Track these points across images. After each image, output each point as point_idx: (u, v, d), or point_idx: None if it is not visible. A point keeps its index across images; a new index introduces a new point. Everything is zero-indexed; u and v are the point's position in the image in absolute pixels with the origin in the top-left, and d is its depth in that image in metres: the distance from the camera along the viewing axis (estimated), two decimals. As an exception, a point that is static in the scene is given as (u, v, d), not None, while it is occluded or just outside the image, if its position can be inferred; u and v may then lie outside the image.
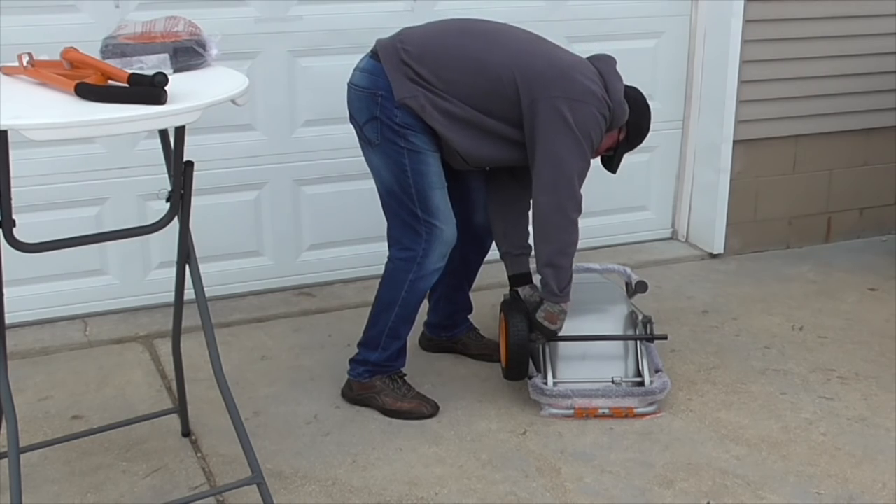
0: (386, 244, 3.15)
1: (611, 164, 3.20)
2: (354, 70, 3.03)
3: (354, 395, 3.23)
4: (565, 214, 2.99)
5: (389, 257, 3.14)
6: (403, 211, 3.04)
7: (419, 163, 2.98)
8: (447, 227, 3.04)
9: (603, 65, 3.03)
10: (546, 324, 3.11)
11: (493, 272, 4.26)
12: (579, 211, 3.02)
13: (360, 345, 3.23)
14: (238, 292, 4.01)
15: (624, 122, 3.08)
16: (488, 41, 2.98)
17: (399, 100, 2.92)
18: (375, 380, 3.19)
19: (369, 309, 3.20)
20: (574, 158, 2.93)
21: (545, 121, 2.90)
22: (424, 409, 3.17)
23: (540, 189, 2.97)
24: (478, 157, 3.03)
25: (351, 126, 3.07)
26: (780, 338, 3.77)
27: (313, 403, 3.26)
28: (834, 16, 4.40)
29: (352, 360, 3.25)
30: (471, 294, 3.56)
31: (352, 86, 3.03)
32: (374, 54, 2.99)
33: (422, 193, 3.00)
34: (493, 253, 4.47)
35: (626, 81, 3.11)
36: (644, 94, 3.18)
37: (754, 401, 3.31)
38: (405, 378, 3.24)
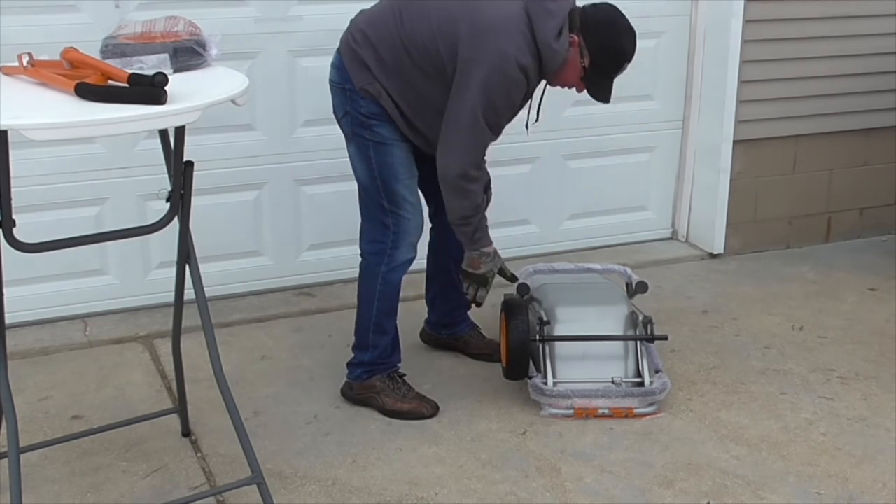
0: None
1: (595, 93, 3.06)
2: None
3: (354, 394, 3.23)
4: (465, 174, 2.94)
5: (361, 253, 3.17)
6: (372, 204, 3.08)
7: (384, 154, 3.00)
8: (413, 218, 3.06)
9: (535, 6, 2.89)
10: (470, 270, 3.12)
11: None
12: (479, 170, 2.97)
13: (353, 348, 3.24)
14: (238, 292, 4.01)
15: (572, 56, 2.94)
16: (419, 14, 2.92)
17: (359, 88, 2.95)
18: (375, 380, 3.19)
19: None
20: (476, 121, 2.88)
21: (456, 84, 2.89)
22: (424, 410, 3.17)
23: (441, 150, 2.95)
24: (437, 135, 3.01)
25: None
26: (780, 338, 3.77)
27: (313, 403, 3.26)
28: (834, 16, 4.40)
29: (348, 364, 3.26)
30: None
31: (328, 82, 3.07)
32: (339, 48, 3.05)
33: (386, 184, 3.02)
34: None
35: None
36: (618, 12, 2.98)
37: (754, 401, 3.31)
38: (405, 378, 3.24)
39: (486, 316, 3.81)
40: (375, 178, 3.03)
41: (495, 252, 3.14)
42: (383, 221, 3.06)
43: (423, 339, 3.63)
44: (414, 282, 4.15)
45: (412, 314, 3.91)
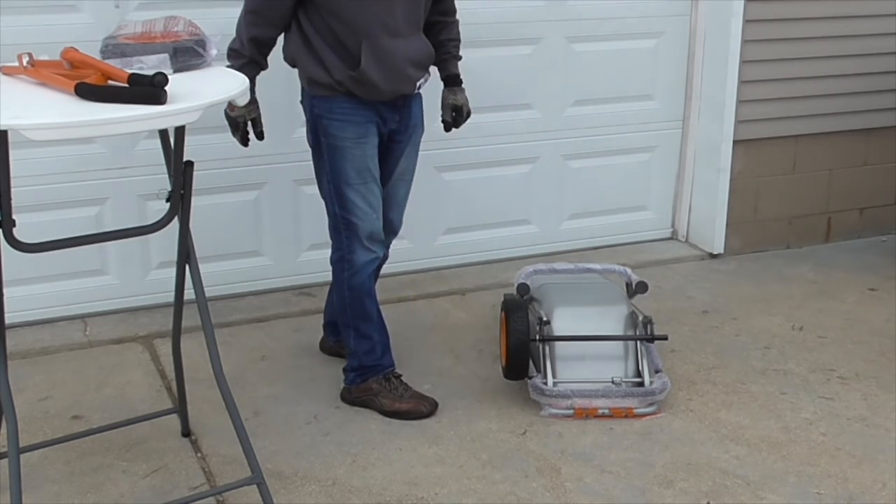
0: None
1: None
2: None
3: (353, 398, 3.23)
4: (245, 14, 2.95)
5: (329, 261, 3.18)
6: (329, 211, 3.11)
7: (337, 159, 3.01)
8: (362, 224, 3.06)
9: None
10: (227, 110, 3.02)
11: (493, 272, 4.28)
12: (254, 12, 2.93)
13: (347, 354, 3.25)
14: (238, 292, 4.01)
15: None
16: None
17: (307, 79, 3.00)
18: (371, 382, 3.20)
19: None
20: None
21: None
22: (423, 409, 3.18)
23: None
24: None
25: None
26: (780, 338, 3.77)
27: (313, 403, 3.26)
28: (834, 16, 4.40)
29: (343, 370, 3.27)
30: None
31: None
32: None
33: (338, 190, 3.04)
34: (492, 253, 4.48)
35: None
36: None
37: (754, 401, 3.31)
38: (401, 378, 3.24)
39: (485, 316, 3.82)
40: (329, 183, 3.05)
41: (254, 102, 3.04)
42: (338, 228, 3.09)
43: (322, 349, 3.59)
44: (415, 281, 4.17)
45: (412, 314, 3.92)
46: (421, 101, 3.20)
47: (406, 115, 3.12)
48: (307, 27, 2.94)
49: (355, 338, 3.18)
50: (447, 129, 3.31)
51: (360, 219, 3.05)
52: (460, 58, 3.27)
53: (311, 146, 3.10)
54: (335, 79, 2.94)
